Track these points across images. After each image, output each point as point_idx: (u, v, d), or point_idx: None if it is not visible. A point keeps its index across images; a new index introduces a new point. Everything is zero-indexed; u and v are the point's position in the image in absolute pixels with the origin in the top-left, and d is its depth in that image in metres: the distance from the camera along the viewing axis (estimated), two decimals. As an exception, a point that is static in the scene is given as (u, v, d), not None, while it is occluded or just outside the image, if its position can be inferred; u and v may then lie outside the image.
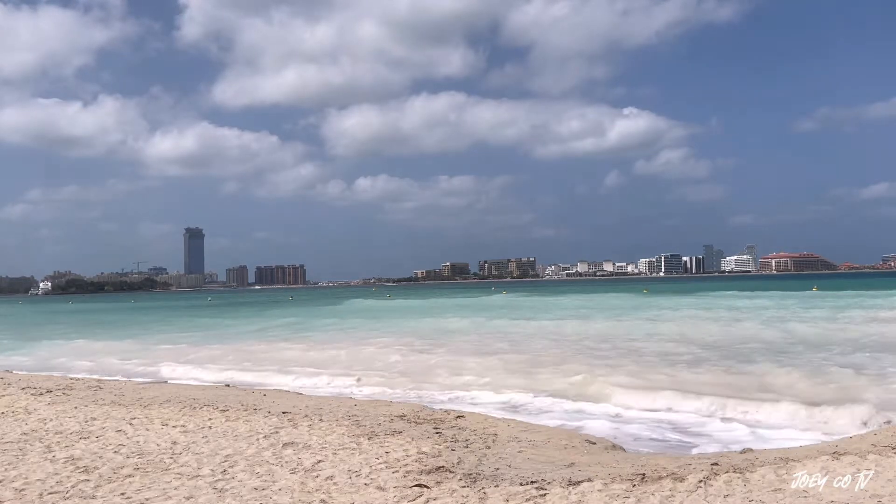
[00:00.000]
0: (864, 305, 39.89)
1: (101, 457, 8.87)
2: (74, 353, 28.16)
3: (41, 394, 14.84)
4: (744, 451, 9.12)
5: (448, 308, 52.29)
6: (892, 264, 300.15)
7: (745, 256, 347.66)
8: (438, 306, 56.26)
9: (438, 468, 8.02)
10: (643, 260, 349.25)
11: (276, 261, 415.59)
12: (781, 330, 27.37)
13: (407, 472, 7.89)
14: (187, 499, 7.06)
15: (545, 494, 6.88)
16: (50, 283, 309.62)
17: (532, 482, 7.36)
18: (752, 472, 7.29)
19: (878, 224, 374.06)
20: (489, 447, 9.43)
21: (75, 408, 12.90)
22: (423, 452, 8.85)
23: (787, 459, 7.82)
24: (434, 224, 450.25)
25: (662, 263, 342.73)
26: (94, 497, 7.16)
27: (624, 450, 10.19)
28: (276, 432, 10.27)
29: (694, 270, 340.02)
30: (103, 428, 10.87)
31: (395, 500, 6.90)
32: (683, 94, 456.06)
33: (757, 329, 28.26)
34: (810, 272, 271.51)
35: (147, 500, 7.05)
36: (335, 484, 7.46)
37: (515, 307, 53.52)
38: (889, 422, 11.27)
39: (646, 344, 23.93)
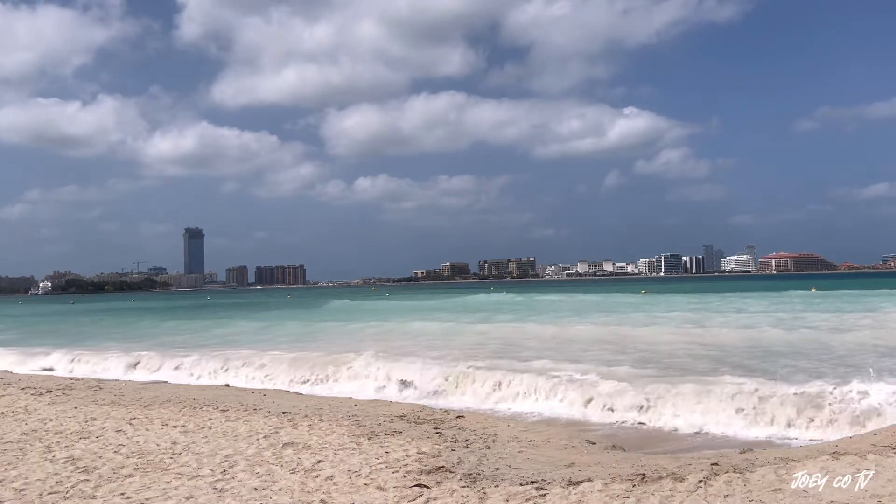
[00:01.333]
0: (860, 309, 39.73)
1: (101, 457, 8.87)
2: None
3: (41, 394, 14.85)
4: (744, 451, 9.12)
5: (421, 310, 50.58)
6: (892, 264, 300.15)
7: (745, 256, 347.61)
8: (415, 308, 54.79)
9: (438, 468, 8.02)
10: (643, 260, 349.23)
11: (275, 261, 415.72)
12: (755, 331, 25.55)
13: (407, 472, 7.90)
14: (187, 499, 7.06)
15: (545, 494, 6.89)
16: (50, 283, 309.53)
17: (532, 482, 7.36)
18: (752, 472, 7.30)
19: (878, 224, 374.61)
20: (489, 447, 9.43)
21: (75, 408, 12.91)
22: (423, 452, 8.85)
23: (787, 459, 7.82)
24: (434, 224, 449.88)
25: (662, 263, 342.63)
26: (94, 497, 7.17)
27: (624, 450, 10.19)
28: (276, 432, 10.27)
29: (694, 270, 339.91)
30: (103, 428, 10.87)
31: (395, 500, 6.90)
32: (683, 94, 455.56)
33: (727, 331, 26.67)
34: (810, 272, 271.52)
35: (147, 500, 7.06)
36: (335, 484, 7.47)
37: (498, 308, 53.00)
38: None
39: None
